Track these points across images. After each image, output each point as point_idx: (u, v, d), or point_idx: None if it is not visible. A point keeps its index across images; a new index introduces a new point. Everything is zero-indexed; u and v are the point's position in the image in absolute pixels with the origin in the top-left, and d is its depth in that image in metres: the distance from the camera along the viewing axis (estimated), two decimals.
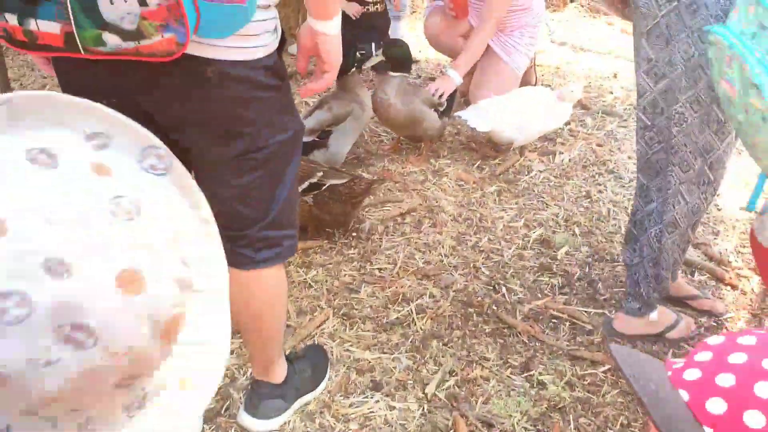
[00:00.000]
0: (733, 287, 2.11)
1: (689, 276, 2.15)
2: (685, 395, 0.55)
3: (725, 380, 0.54)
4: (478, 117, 2.58)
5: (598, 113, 3.16)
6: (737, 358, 0.56)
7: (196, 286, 0.54)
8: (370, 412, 1.67)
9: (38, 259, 0.45)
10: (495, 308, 2.01)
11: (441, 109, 2.68)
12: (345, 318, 1.95)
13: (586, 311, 2.02)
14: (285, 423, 1.63)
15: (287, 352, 1.67)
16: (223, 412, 1.65)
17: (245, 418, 1.59)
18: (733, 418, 0.52)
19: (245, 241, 1.30)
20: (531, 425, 1.65)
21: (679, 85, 1.59)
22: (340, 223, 2.27)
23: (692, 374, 0.57)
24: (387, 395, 1.71)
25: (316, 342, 1.86)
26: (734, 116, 1.33)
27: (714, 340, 0.60)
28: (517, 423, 1.66)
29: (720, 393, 0.54)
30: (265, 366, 1.57)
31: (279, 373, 1.58)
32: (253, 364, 1.59)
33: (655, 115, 1.67)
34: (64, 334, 0.45)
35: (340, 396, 1.71)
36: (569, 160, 2.78)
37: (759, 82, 1.19)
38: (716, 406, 0.53)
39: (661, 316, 1.89)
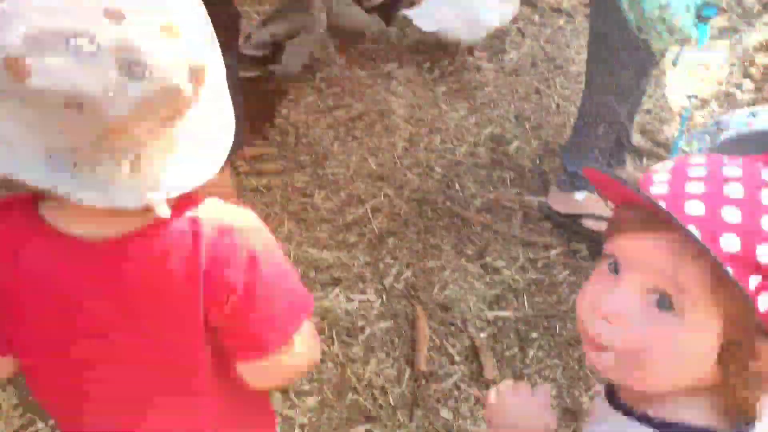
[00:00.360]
0: None
1: (637, 161, 2.20)
2: (663, 204, 0.55)
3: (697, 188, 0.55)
4: (424, 16, 2.53)
5: (546, 10, 3.13)
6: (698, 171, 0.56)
7: (215, 48, 0.67)
8: (331, 305, 1.69)
9: (100, 7, 0.57)
10: (449, 204, 2.03)
11: (371, 4, 2.58)
12: (301, 221, 1.95)
13: (538, 200, 2.05)
14: None
15: None
16: None
17: None
18: (713, 215, 0.53)
19: None
20: (486, 306, 1.71)
21: None
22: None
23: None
24: (346, 288, 1.73)
25: None
26: None
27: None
28: (473, 305, 1.71)
29: (695, 197, 0.55)
30: None
31: None
32: None
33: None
34: (126, 68, 0.57)
35: None
36: (518, 58, 2.76)
37: None
38: (696, 207, 0.54)
39: (591, 202, 1.87)
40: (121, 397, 0.75)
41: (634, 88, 1.74)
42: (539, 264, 1.84)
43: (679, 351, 0.55)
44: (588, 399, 1.48)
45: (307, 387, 1.50)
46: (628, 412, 0.61)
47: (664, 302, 0.55)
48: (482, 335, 1.63)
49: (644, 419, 0.59)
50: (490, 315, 1.68)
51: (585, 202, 1.87)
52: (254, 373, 0.74)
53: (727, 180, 0.55)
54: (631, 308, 0.56)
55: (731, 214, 0.53)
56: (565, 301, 1.72)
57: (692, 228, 0.53)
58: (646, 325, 0.56)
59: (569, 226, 1.90)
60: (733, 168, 0.56)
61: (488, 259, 1.84)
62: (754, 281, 0.52)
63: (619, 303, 0.57)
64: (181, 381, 0.75)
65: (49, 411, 0.87)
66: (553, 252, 1.87)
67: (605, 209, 1.86)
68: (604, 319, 0.57)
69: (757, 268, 0.52)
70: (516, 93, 2.56)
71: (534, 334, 1.63)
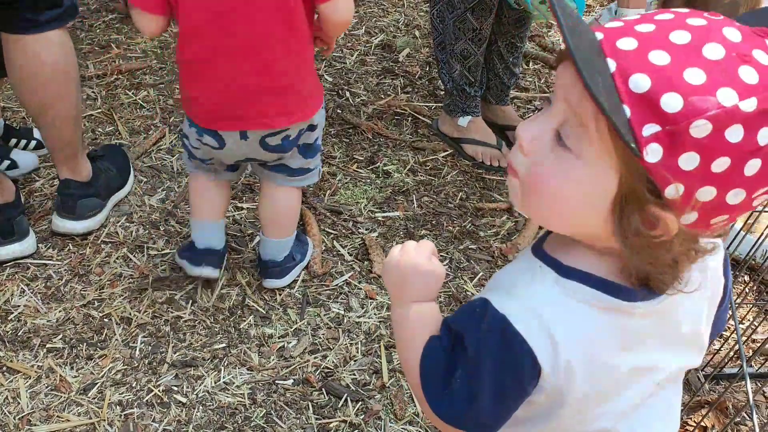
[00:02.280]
0: None
1: (525, 65, 2.24)
2: (600, 36, 0.52)
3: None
4: None
5: None
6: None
7: None
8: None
9: None
10: (339, 111, 2.01)
11: None
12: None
13: (427, 106, 2.06)
14: (128, 234, 1.59)
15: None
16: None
17: (63, 223, 1.54)
18: (639, 54, 0.49)
19: (27, 2, 1.26)
20: (377, 208, 1.72)
21: None
22: None
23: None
24: (233, 198, 1.69)
25: (152, 158, 1.79)
26: None
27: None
28: (363, 208, 1.72)
29: (633, 35, 0.51)
30: (69, 162, 1.52)
31: (85, 169, 1.55)
32: (57, 162, 1.53)
33: None
34: None
35: (184, 204, 1.67)
36: None
37: None
38: (627, 43, 0.50)
39: (474, 128, 1.87)
40: (247, 44, 1.19)
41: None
42: (428, 166, 1.86)
43: (573, 189, 0.54)
44: (472, 287, 1.54)
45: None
46: (542, 257, 0.61)
47: (562, 135, 0.54)
48: (372, 235, 1.64)
49: (551, 263, 0.60)
50: (381, 216, 1.70)
51: (468, 126, 1.89)
52: (330, 8, 1.18)
53: (682, 27, 0.51)
54: (541, 140, 0.55)
55: (658, 57, 0.49)
56: (452, 199, 1.77)
57: (610, 62, 0.49)
58: (549, 158, 0.55)
59: (454, 147, 1.91)
60: (699, 20, 0.52)
61: (378, 163, 1.85)
62: (649, 129, 0.48)
63: (530, 132, 0.56)
64: (287, 26, 1.19)
65: (190, 77, 1.26)
66: (442, 154, 1.90)
67: (487, 135, 1.89)
68: (519, 148, 0.57)
69: (658, 116, 0.48)
70: (406, 1, 2.52)
71: (422, 231, 1.67)
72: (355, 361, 1.38)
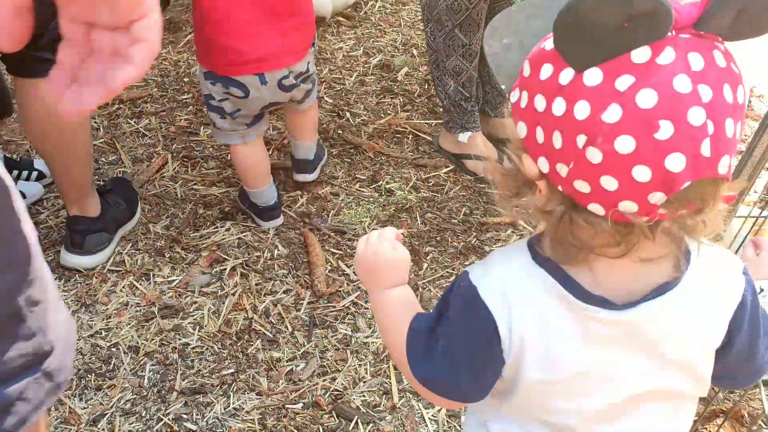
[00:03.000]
0: None
1: None
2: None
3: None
4: None
5: None
6: None
7: None
8: (222, 239, 1.65)
9: None
10: (340, 132, 2.02)
11: None
12: (186, 160, 1.88)
13: (427, 123, 2.07)
14: (134, 262, 1.59)
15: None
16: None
17: (72, 258, 1.55)
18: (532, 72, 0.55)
19: (44, 41, 1.17)
20: (381, 226, 1.72)
21: None
22: None
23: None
24: (238, 222, 1.70)
25: (155, 186, 1.80)
26: None
27: None
28: (367, 226, 1.72)
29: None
30: (79, 201, 1.52)
31: (93, 206, 1.55)
32: (67, 201, 1.54)
33: None
34: None
35: (189, 230, 1.68)
36: None
37: None
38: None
39: (474, 143, 1.87)
40: None
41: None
42: (430, 182, 1.87)
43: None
44: None
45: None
46: (528, 243, 0.64)
47: None
48: None
49: (531, 249, 0.63)
50: None
51: (468, 142, 1.89)
52: None
53: None
54: None
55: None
56: (455, 214, 1.76)
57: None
58: None
59: (456, 162, 1.92)
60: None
61: (381, 182, 1.85)
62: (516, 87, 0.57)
63: None
64: None
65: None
66: (444, 170, 1.90)
67: (487, 150, 1.89)
68: None
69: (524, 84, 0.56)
70: (403, 21, 2.54)
71: (427, 248, 1.66)
72: (364, 382, 1.37)
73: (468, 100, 1.86)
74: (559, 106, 0.52)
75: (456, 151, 1.91)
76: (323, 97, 2.15)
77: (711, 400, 1.30)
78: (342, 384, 1.36)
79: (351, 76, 2.26)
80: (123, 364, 1.39)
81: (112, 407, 1.31)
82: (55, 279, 1.55)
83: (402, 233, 0.77)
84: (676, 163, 0.50)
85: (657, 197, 0.51)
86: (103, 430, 1.28)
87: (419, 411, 1.31)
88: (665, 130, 0.49)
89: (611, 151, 0.51)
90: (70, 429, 1.28)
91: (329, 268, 1.61)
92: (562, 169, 0.54)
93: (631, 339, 0.61)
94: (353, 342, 1.44)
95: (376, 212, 1.76)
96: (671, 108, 0.49)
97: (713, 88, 0.50)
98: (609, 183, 0.52)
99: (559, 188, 0.56)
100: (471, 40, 1.78)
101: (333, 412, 1.31)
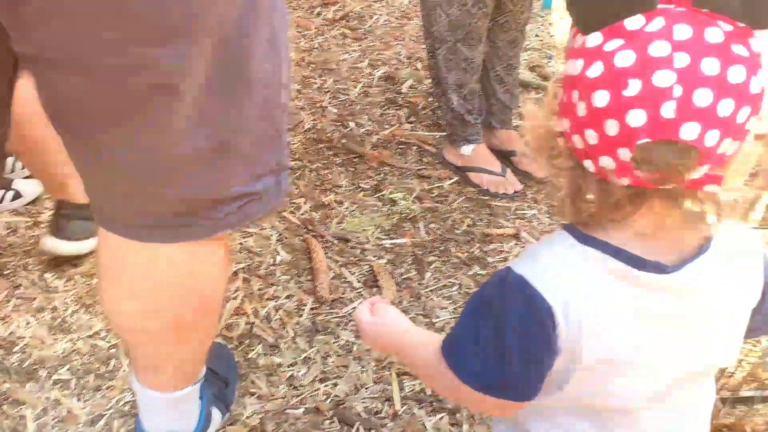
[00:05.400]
0: None
1: (527, 92, 2.26)
2: None
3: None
4: None
5: None
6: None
7: None
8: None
9: None
10: (345, 141, 2.02)
11: None
12: None
13: (431, 135, 2.08)
14: None
15: None
16: None
17: (51, 242, 1.50)
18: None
19: None
20: (384, 235, 1.72)
21: None
22: None
23: None
24: (240, 227, 1.69)
25: None
26: None
27: None
28: (371, 235, 1.72)
29: None
30: (63, 190, 1.49)
31: (81, 192, 1.48)
32: (51, 192, 1.53)
33: None
34: None
35: None
36: (408, 1, 2.76)
37: None
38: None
39: (478, 156, 1.88)
40: None
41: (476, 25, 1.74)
42: (434, 193, 1.87)
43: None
44: None
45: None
46: (564, 227, 0.66)
47: None
48: (380, 262, 1.64)
49: (570, 230, 0.64)
50: (388, 243, 1.70)
51: (471, 155, 1.90)
52: None
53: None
54: None
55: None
56: (459, 225, 1.77)
57: None
58: None
59: (460, 175, 1.92)
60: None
61: (384, 191, 1.85)
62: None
63: None
64: None
65: None
66: (448, 182, 1.91)
67: (490, 163, 1.89)
68: None
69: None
70: (407, 35, 2.57)
71: (430, 258, 1.66)
72: (366, 388, 1.35)
73: (471, 113, 1.87)
74: (569, 66, 0.59)
75: (460, 164, 1.92)
76: (327, 107, 2.16)
77: (714, 417, 1.29)
78: (343, 390, 1.35)
79: (356, 87, 2.27)
80: (122, 365, 1.37)
81: (110, 408, 1.29)
82: (54, 278, 1.54)
83: (382, 298, 0.82)
84: (636, 118, 0.54)
85: (624, 153, 0.56)
86: (101, 430, 1.26)
87: (421, 419, 1.30)
88: (633, 87, 0.54)
89: (590, 104, 0.56)
90: (68, 429, 1.26)
91: (332, 274, 1.60)
92: (566, 124, 0.60)
93: (685, 306, 0.62)
94: (356, 348, 1.43)
95: (379, 221, 1.76)
96: (642, 68, 0.54)
97: (693, 57, 0.53)
98: (591, 137, 0.57)
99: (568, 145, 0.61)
100: (473, 54, 1.80)
101: (334, 417, 1.29)
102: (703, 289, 0.62)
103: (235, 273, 1.57)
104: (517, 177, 1.89)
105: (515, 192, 1.86)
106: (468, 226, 1.77)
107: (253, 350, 1.42)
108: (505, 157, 1.95)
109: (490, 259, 1.67)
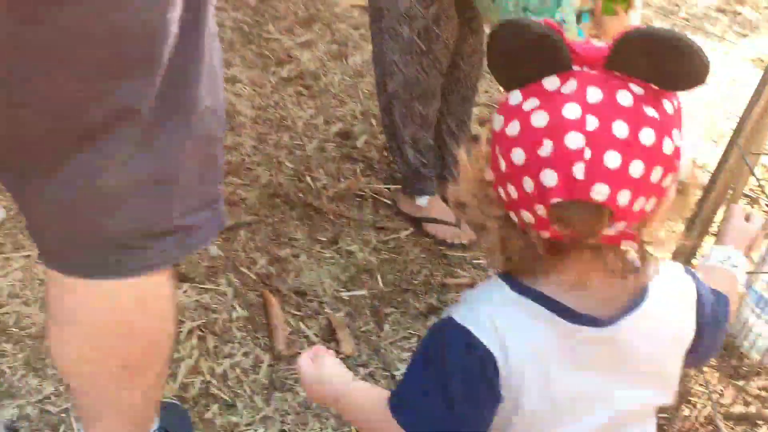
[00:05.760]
0: None
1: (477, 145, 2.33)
2: None
3: None
4: None
5: None
6: None
7: None
8: (179, 301, 1.62)
9: None
10: (301, 195, 2.04)
11: None
12: None
13: (386, 188, 2.12)
14: None
15: None
16: None
17: None
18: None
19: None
20: (342, 287, 1.72)
21: None
22: None
23: None
24: (197, 283, 1.67)
25: None
26: None
27: None
28: (328, 288, 1.72)
29: None
30: None
31: None
32: None
33: None
34: None
35: None
36: (362, 60, 2.84)
37: None
38: None
39: (433, 207, 1.91)
40: None
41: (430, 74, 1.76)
42: (391, 244, 1.89)
43: None
44: None
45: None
46: (499, 275, 0.68)
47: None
48: (338, 315, 1.64)
49: (506, 279, 0.66)
50: (345, 295, 1.70)
51: (427, 206, 1.93)
52: None
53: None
54: None
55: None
56: (416, 276, 1.78)
57: None
58: None
59: (415, 226, 1.95)
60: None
61: (341, 244, 1.86)
62: None
63: None
64: None
65: None
66: (404, 233, 1.93)
67: (445, 214, 1.93)
68: None
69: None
70: (362, 92, 2.63)
71: (389, 309, 1.67)
72: None
73: (426, 166, 1.92)
74: (494, 121, 0.62)
75: (416, 215, 1.95)
76: (284, 162, 2.18)
77: None
78: None
79: (311, 143, 2.30)
80: (74, 431, 1.32)
81: None
82: (2, 342, 1.49)
83: (326, 348, 0.82)
84: (549, 177, 0.56)
85: (541, 210, 0.58)
86: None
87: None
88: (546, 147, 0.56)
89: (509, 161, 0.59)
90: None
91: (289, 330, 1.59)
92: (492, 175, 0.63)
93: (616, 356, 0.63)
94: (314, 405, 1.41)
95: (336, 273, 1.77)
96: (555, 129, 0.56)
97: (602, 120, 0.55)
98: (511, 191, 0.60)
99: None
100: (428, 111, 1.85)
101: None
102: (638, 343, 0.64)
103: (190, 331, 1.55)
104: (470, 227, 1.93)
105: (470, 241, 1.89)
106: (425, 276, 1.79)
107: (209, 410, 1.39)
108: (460, 208, 1.99)
109: None
